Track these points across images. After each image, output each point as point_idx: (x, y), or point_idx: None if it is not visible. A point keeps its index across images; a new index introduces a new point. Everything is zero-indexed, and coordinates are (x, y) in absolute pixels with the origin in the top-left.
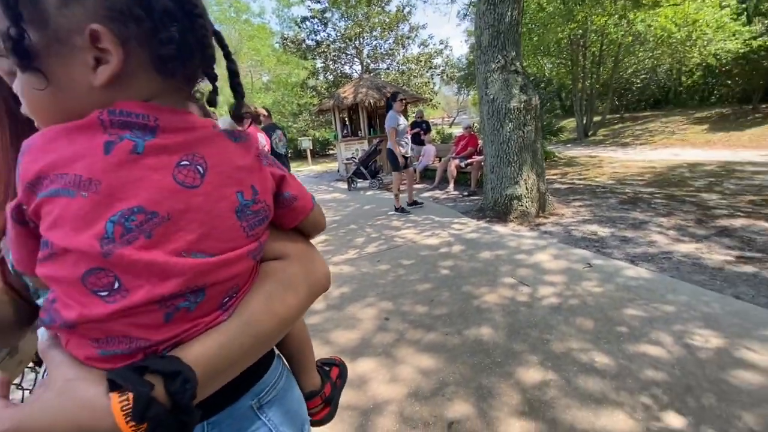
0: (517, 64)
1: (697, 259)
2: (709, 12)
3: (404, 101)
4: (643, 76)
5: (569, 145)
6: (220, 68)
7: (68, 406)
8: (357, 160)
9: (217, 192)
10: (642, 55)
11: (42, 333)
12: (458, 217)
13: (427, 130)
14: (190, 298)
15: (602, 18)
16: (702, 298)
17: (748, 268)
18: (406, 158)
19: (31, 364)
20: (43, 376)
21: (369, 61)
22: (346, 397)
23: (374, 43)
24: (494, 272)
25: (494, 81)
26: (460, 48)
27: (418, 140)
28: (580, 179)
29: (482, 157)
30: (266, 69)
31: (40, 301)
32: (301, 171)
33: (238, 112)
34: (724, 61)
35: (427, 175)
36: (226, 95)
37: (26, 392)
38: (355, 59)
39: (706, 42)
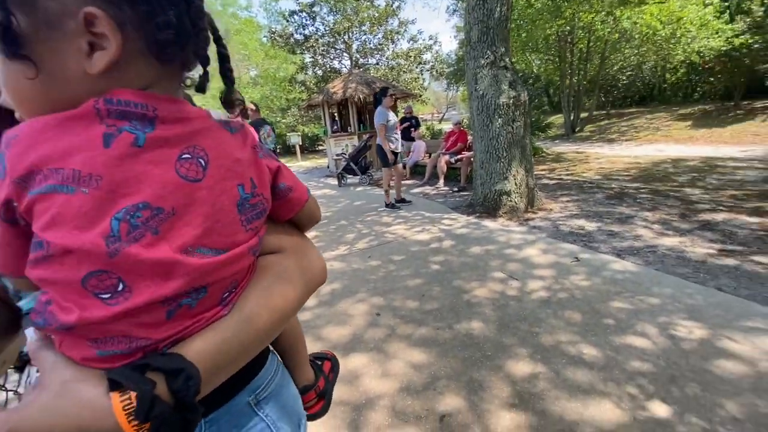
0: (507, 60)
1: (681, 252)
2: (693, 10)
3: (394, 97)
4: (629, 72)
5: (557, 141)
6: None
7: (67, 408)
8: (347, 156)
9: (219, 185)
10: (628, 52)
11: (30, 333)
12: (448, 212)
13: (417, 125)
14: (192, 295)
15: (589, 15)
16: (686, 290)
17: (730, 261)
18: (395, 154)
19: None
20: (27, 378)
21: (358, 56)
22: (339, 392)
23: (363, 38)
24: (484, 267)
25: (484, 77)
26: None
27: (407, 136)
28: (567, 175)
29: (472, 152)
30: (254, 63)
31: (22, 303)
32: (291, 167)
33: (228, 98)
34: (707, 58)
35: (417, 171)
36: (212, 87)
37: (10, 393)
38: (344, 54)
39: (689, 39)
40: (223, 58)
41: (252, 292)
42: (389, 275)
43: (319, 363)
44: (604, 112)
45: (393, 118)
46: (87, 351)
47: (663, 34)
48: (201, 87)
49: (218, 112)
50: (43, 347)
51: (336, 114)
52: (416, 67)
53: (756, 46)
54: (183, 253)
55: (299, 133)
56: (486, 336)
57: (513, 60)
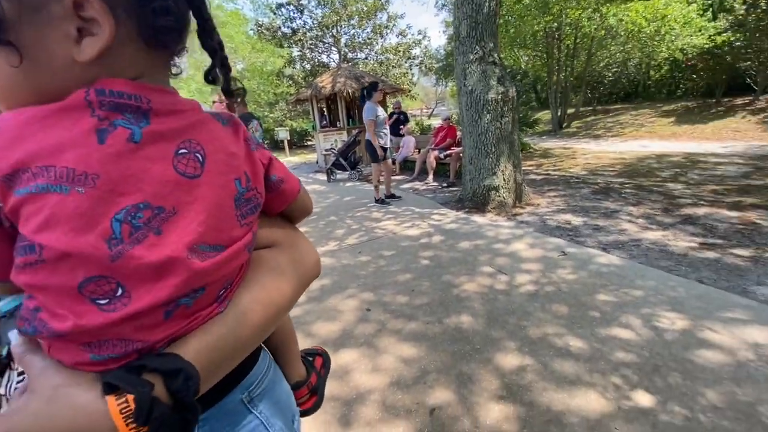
0: (495, 55)
1: (664, 246)
2: (677, 7)
3: (383, 91)
4: (615, 69)
5: (544, 137)
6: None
7: (61, 414)
8: (336, 151)
9: (218, 181)
10: (614, 48)
11: (15, 336)
12: (438, 208)
13: (405, 121)
14: (190, 295)
15: (576, 11)
16: (668, 282)
17: (710, 254)
18: (384, 149)
19: None
20: (8, 383)
21: (347, 50)
22: (329, 388)
23: (352, 32)
24: (473, 262)
25: (472, 72)
26: (438, 39)
27: (396, 132)
28: (554, 170)
29: (461, 148)
30: (240, 57)
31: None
32: None
33: (228, 87)
34: (689, 56)
35: (406, 166)
36: (197, 79)
37: None
38: (333, 48)
39: (673, 37)
40: (219, 46)
41: (247, 287)
42: (379, 270)
43: (311, 359)
44: (590, 108)
45: (382, 113)
46: (79, 355)
47: (648, 32)
48: (213, 79)
49: (205, 105)
50: (30, 351)
51: (325, 109)
52: (405, 62)
53: (737, 44)
54: (186, 253)
55: (287, 128)
56: (475, 330)
57: (501, 56)
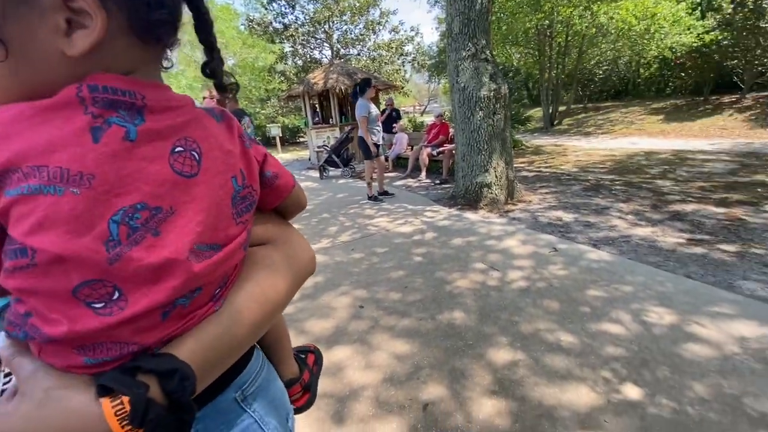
0: (487, 52)
1: (653, 241)
2: (666, 6)
3: (375, 88)
4: (605, 67)
5: (536, 134)
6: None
7: (53, 418)
8: (329, 148)
9: (215, 179)
10: (604, 47)
11: (2, 339)
12: (430, 204)
13: (398, 118)
14: (187, 295)
15: (568, 9)
16: (657, 278)
17: (698, 250)
18: (377, 146)
19: None
20: None
21: (339, 46)
22: (322, 385)
23: (344, 27)
24: (466, 258)
25: (465, 69)
26: (430, 35)
27: (388, 129)
28: (546, 167)
29: (453, 145)
30: (231, 52)
31: None
32: None
33: (221, 82)
34: (678, 54)
35: (399, 163)
36: (187, 75)
37: None
38: (325, 44)
39: (663, 35)
40: (215, 39)
41: (242, 285)
42: (372, 267)
43: (303, 356)
44: (581, 105)
45: (374, 110)
46: (72, 359)
47: (638, 30)
48: (211, 72)
49: (196, 102)
50: (18, 353)
51: (317, 105)
52: (398, 59)
53: (725, 42)
54: (187, 254)
55: (279, 125)
56: (467, 325)
57: (494, 53)
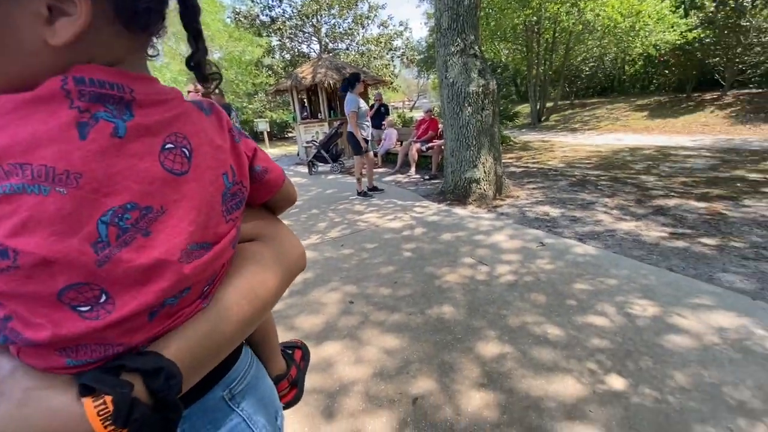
0: (476, 48)
1: (637, 236)
2: (651, 3)
3: (365, 83)
4: (592, 64)
5: (524, 130)
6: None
7: (33, 418)
8: (317, 144)
9: (206, 176)
10: (591, 43)
11: None
12: (420, 200)
13: (386, 113)
14: (176, 295)
15: (555, 5)
16: (640, 271)
17: (680, 243)
18: (366, 142)
19: None
20: None
21: (327, 40)
22: (312, 380)
23: (333, 21)
24: (455, 253)
25: (454, 64)
26: (419, 30)
27: (378, 124)
28: (533, 163)
29: (443, 140)
30: (217, 45)
31: None
32: None
33: (203, 72)
34: (662, 51)
35: (388, 159)
36: (171, 68)
37: None
38: (313, 38)
39: (647, 33)
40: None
41: (231, 282)
42: (362, 263)
43: (290, 352)
44: (568, 102)
45: (364, 105)
46: (54, 360)
47: (623, 27)
48: (198, 65)
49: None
50: None
51: (305, 100)
52: (387, 54)
53: (707, 40)
54: (177, 254)
55: (267, 120)
56: (456, 320)
57: (482, 48)
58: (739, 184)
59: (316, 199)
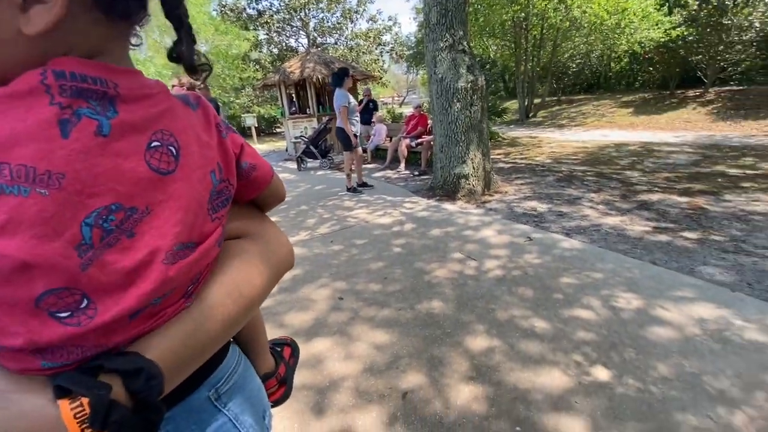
0: (465, 43)
1: (622, 230)
2: (636, 1)
3: (354, 78)
4: (578, 60)
5: (512, 126)
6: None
7: (7, 421)
8: (306, 139)
9: (193, 175)
10: (578, 40)
11: None
12: (409, 196)
13: (375, 108)
14: (160, 297)
15: (543, 2)
16: (625, 264)
17: (663, 237)
18: (356, 137)
19: None
20: None
21: (316, 34)
22: (302, 377)
23: (321, 15)
24: (444, 248)
25: (443, 60)
26: (409, 25)
27: (366, 120)
28: (521, 159)
29: (432, 136)
30: (203, 39)
31: None
32: None
33: (191, 62)
34: (647, 48)
35: (378, 154)
36: (155, 62)
37: None
38: (301, 32)
39: (632, 30)
40: (185, 15)
41: (216, 280)
42: (352, 259)
43: (279, 349)
44: (555, 98)
45: (353, 100)
46: (28, 362)
47: (609, 24)
48: (179, 56)
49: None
50: None
51: (294, 95)
52: (376, 49)
53: (690, 38)
54: (161, 256)
55: (255, 115)
56: (446, 314)
57: (471, 44)
58: (719, 180)
59: (305, 195)
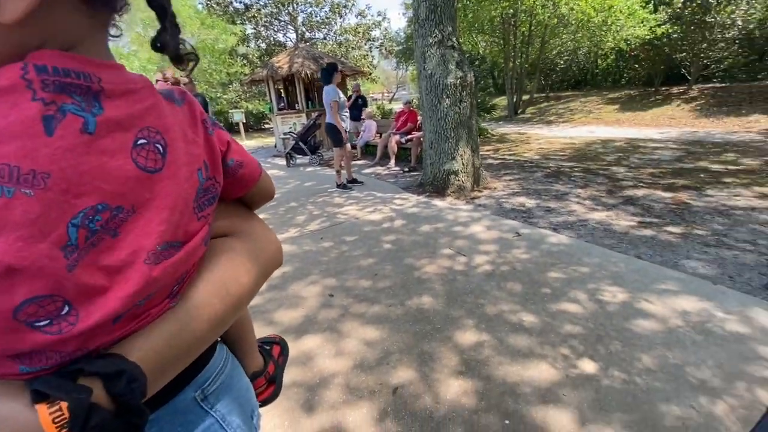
0: (454, 39)
1: (608, 225)
2: None
3: (343, 74)
4: (566, 57)
5: (501, 123)
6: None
7: None
8: (295, 135)
9: (180, 173)
10: (565, 37)
11: None
12: (399, 192)
13: (363, 104)
14: (144, 297)
15: None
16: (611, 259)
17: (648, 232)
18: (346, 133)
19: None
20: None
21: (304, 29)
22: (292, 374)
23: (309, 10)
24: (434, 244)
25: (432, 56)
26: (398, 21)
27: (356, 116)
28: (510, 155)
29: (422, 132)
30: (188, 33)
31: None
32: None
33: (177, 51)
34: (633, 46)
35: (368, 151)
36: (140, 56)
37: None
38: (290, 27)
39: (619, 27)
40: (167, 2)
41: (202, 279)
42: (342, 256)
43: (268, 348)
44: (543, 95)
45: (342, 96)
46: (7, 367)
47: (596, 21)
48: (164, 45)
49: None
50: None
51: (282, 90)
52: (365, 44)
53: (674, 36)
54: (144, 256)
55: (243, 110)
56: (436, 310)
57: (460, 40)
58: (702, 175)
59: (294, 191)
